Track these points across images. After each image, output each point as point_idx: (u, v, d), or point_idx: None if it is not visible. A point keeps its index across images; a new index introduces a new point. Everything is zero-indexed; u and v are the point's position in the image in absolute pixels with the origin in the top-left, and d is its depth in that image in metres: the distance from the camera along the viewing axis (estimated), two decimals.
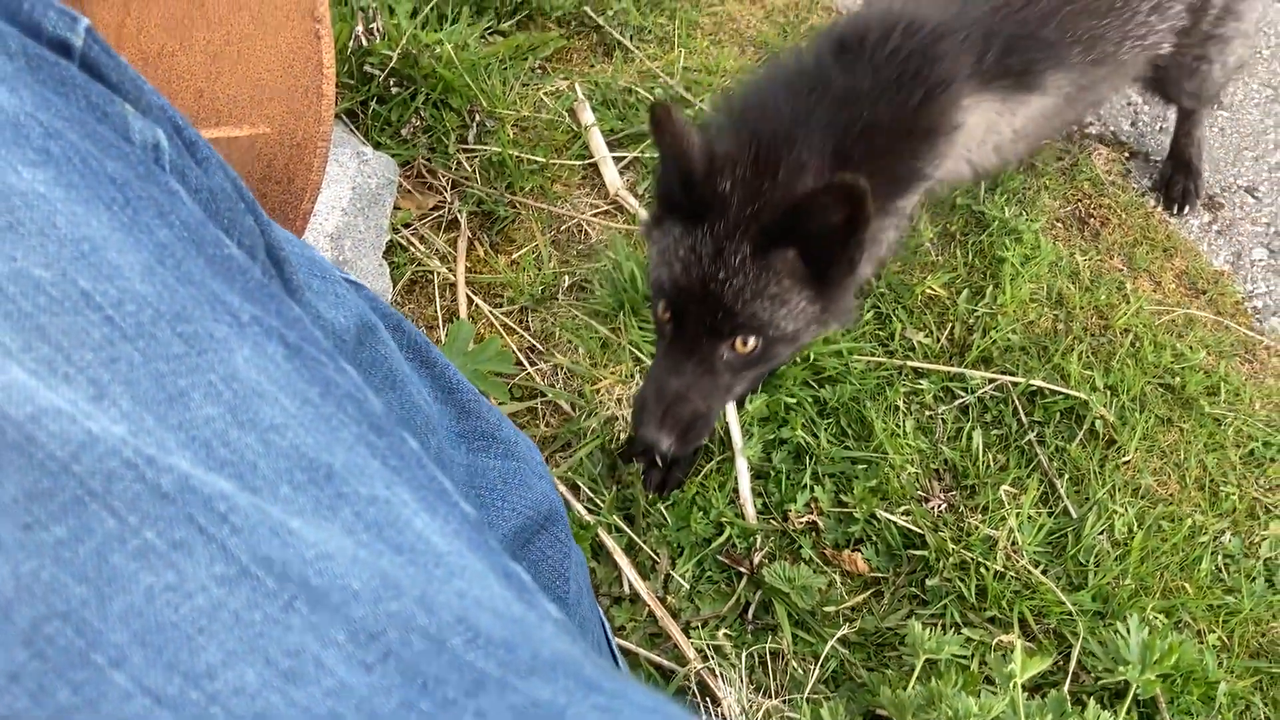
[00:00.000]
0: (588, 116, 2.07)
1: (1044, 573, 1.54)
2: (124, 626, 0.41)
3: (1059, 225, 2.07)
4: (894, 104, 1.38)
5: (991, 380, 1.75)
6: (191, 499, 0.42)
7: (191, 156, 0.61)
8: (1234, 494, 1.67)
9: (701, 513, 1.56)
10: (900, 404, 1.70)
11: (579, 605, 0.97)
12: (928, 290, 1.87)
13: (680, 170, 1.28)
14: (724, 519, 1.56)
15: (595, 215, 1.96)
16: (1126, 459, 1.69)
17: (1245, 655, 1.52)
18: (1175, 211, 2.16)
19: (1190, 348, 1.86)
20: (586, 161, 2.03)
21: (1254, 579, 1.58)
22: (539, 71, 2.20)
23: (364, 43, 1.93)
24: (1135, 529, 1.60)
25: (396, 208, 1.89)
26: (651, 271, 1.37)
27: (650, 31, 2.30)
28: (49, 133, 0.50)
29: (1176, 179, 2.19)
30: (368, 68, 1.94)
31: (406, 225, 1.90)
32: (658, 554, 1.55)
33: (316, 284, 0.74)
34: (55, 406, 0.41)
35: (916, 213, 1.66)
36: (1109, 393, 1.77)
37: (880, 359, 1.75)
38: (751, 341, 1.31)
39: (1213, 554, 1.60)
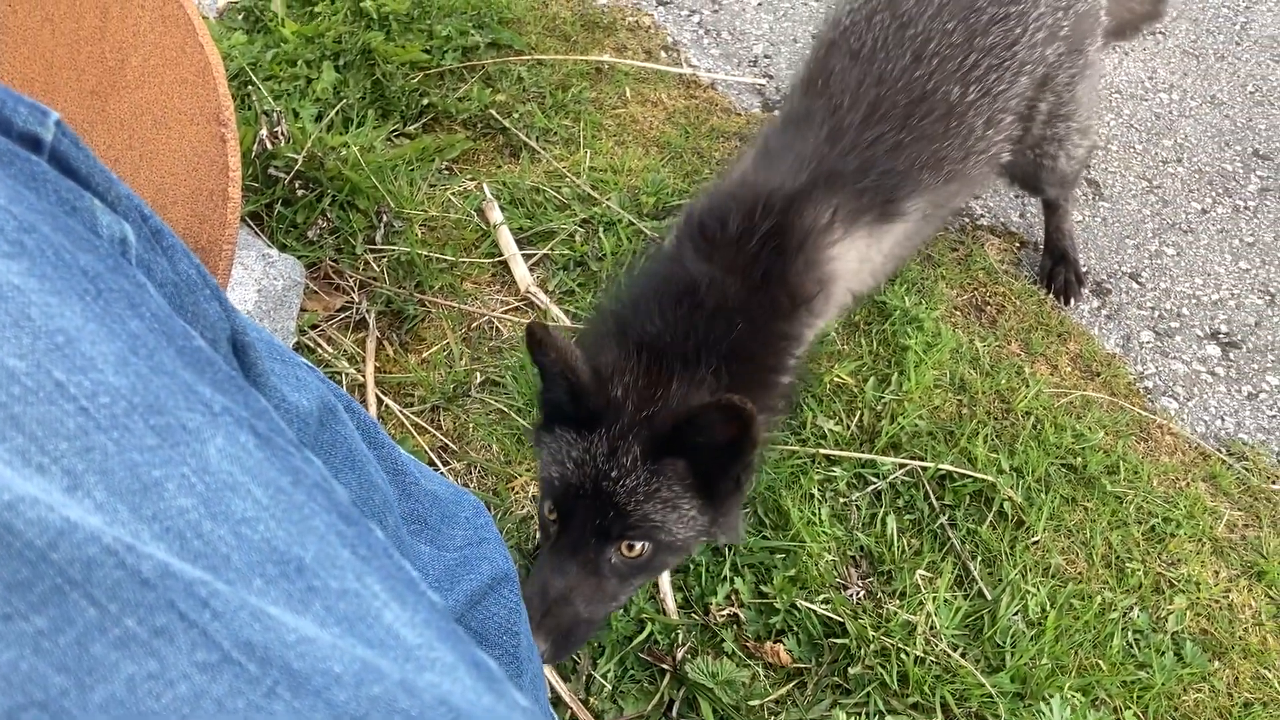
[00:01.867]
0: (496, 215, 2.08)
1: (963, 655, 1.55)
2: (105, 716, 0.40)
3: (957, 313, 2.14)
4: (763, 292, 1.43)
5: (902, 465, 1.78)
6: (173, 584, 0.42)
7: (158, 246, 0.62)
8: (1139, 570, 1.72)
9: (622, 610, 1.54)
10: (815, 492, 1.72)
11: (530, 661, 0.96)
12: (836, 379, 1.90)
13: (568, 383, 1.29)
14: (645, 615, 1.54)
15: (506, 312, 1.96)
16: (1035, 539, 1.73)
17: None
18: (1063, 302, 2.25)
19: (1089, 428, 1.92)
20: (496, 259, 2.04)
21: (1163, 653, 1.61)
22: (446, 172, 2.22)
23: (268, 146, 1.93)
24: (1048, 608, 1.62)
25: (303, 309, 1.87)
26: (541, 473, 1.36)
27: (556, 133, 2.33)
28: (22, 226, 0.50)
29: (1057, 271, 2.28)
30: (272, 171, 1.93)
31: (314, 327, 1.87)
32: (578, 656, 1.52)
33: (278, 368, 0.74)
34: (31, 495, 0.41)
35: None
36: (1015, 474, 1.81)
37: (794, 447, 1.77)
38: (639, 546, 1.29)
39: (1123, 630, 1.63)
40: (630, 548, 1.29)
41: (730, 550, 1.61)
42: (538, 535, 1.63)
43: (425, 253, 2.00)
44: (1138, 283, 2.34)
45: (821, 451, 1.78)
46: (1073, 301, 2.25)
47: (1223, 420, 2.05)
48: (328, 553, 0.49)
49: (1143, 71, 3.06)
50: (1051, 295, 2.26)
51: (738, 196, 1.51)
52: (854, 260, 1.59)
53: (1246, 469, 1.94)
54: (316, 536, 0.49)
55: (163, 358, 0.51)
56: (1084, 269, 2.30)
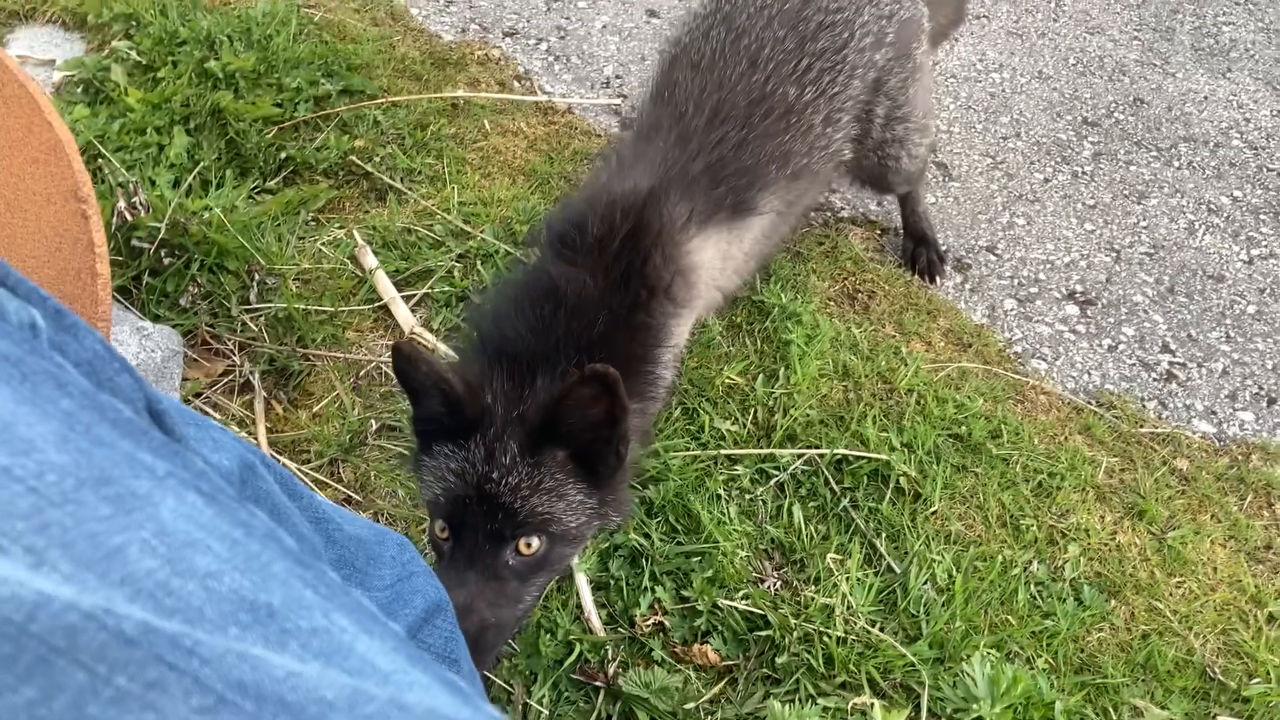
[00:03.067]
0: (370, 260, 2.07)
1: (881, 630, 1.61)
2: None
3: (832, 304, 2.22)
4: (623, 287, 1.49)
5: (800, 455, 1.84)
6: (156, 639, 0.43)
7: (62, 325, 0.62)
8: (1033, 525, 1.80)
9: (549, 634, 1.55)
10: (721, 492, 1.76)
11: (473, 685, 0.97)
12: (726, 380, 1.95)
13: (442, 394, 1.31)
14: (572, 636, 1.55)
15: None
16: (933, 509, 1.80)
17: (1070, 672, 1.63)
18: (928, 281, 2.35)
19: (969, 398, 2.01)
20: (376, 304, 2.03)
21: (1064, 600, 1.70)
22: (314, 223, 2.20)
23: (128, 218, 1.88)
24: (954, 574, 1.70)
25: (185, 379, 1.83)
26: (424, 495, 1.37)
27: (420, 172, 2.34)
28: None
29: (919, 252, 2.40)
30: (136, 242, 1.88)
31: (198, 395, 1.84)
32: (511, 685, 1.52)
33: (194, 431, 0.74)
34: (2, 575, 0.41)
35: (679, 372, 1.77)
36: (906, 450, 1.88)
37: (695, 452, 1.81)
38: (535, 542, 1.32)
39: (1026, 584, 1.71)
40: (528, 545, 1.31)
41: (647, 560, 1.64)
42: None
43: (303, 306, 1.98)
44: (994, 255, 2.46)
45: (722, 452, 1.83)
46: (937, 279, 2.35)
47: (1089, 374, 2.17)
48: (292, 595, 0.50)
49: (973, 55, 3.21)
50: (916, 275, 2.36)
51: (594, 203, 1.57)
52: (714, 254, 1.66)
53: (1116, 417, 2.06)
54: (279, 582, 0.50)
55: (99, 431, 0.51)
56: (943, 247, 2.41)
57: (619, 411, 1.29)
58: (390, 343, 1.97)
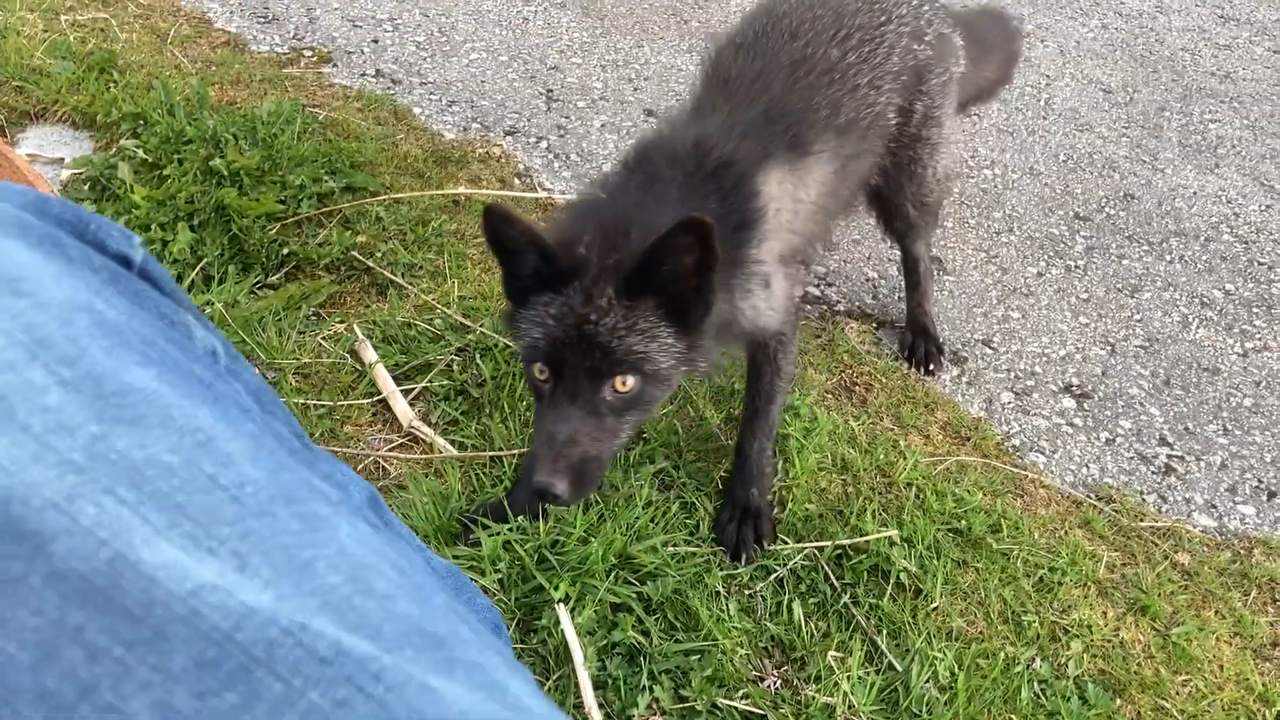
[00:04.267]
0: (370, 355, 2.09)
1: None
2: None
3: (829, 396, 2.22)
4: (714, 186, 1.63)
5: (800, 550, 1.83)
6: (346, 661, 0.46)
7: (231, 355, 0.69)
8: (1034, 621, 1.78)
9: None
10: (720, 589, 1.74)
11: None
12: (725, 474, 1.95)
13: (537, 248, 1.43)
14: None
15: (391, 450, 1.95)
16: (935, 605, 1.78)
17: None
18: (924, 373, 2.37)
19: (968, 491, 2.00)
20: (375, 399, 2.04)
21: (1069, 698, 1.67)
22: (315, 318, 2.22)
23: None
24: (956, 671, 1.67)
25: None
26: (521, 344, 1.49)
27: (421, 267, 2.37)
28: (144, 339, 0.57)
29: (917, 344, 2.42)
30: None
31: None
32: None
33: (324, 464, 0.78)
34: (210, 582, 0.45)
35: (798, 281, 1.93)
36: (906, 545, 1.87)
37: (694, 549, 1.80)
38: (630, 380, 1.44)
39: (1029, 682, 1.69)
40: (623, 383, 1.44)
41: (645, 658, 1.62)
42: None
43: (302, 401, 1.99)
44: (990, 348, 2.48)
45: (721, 548, 1.81)
46: (934, 370, 2.37)
47: (1087, 468, 2.17)
48: (452, 628, 0.53)
49: (965, 152, 3.27)
50: (912, 367, 2.37)
51: (679, 138, 1.71)
52: (779, 190, 1.77)
53: (1116, 511, 2.05)
54: (440, 613, 0.53)
55: (280, 455, 0.56)
56: (941, 340, 2.43)
57: (710, 260, 1.39)
58: (388, 437, 1.98)
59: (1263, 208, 3.22)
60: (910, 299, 2.46)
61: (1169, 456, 2.23)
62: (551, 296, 1.44)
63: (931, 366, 2.38)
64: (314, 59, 3.21)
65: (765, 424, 1.91)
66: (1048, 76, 3.87)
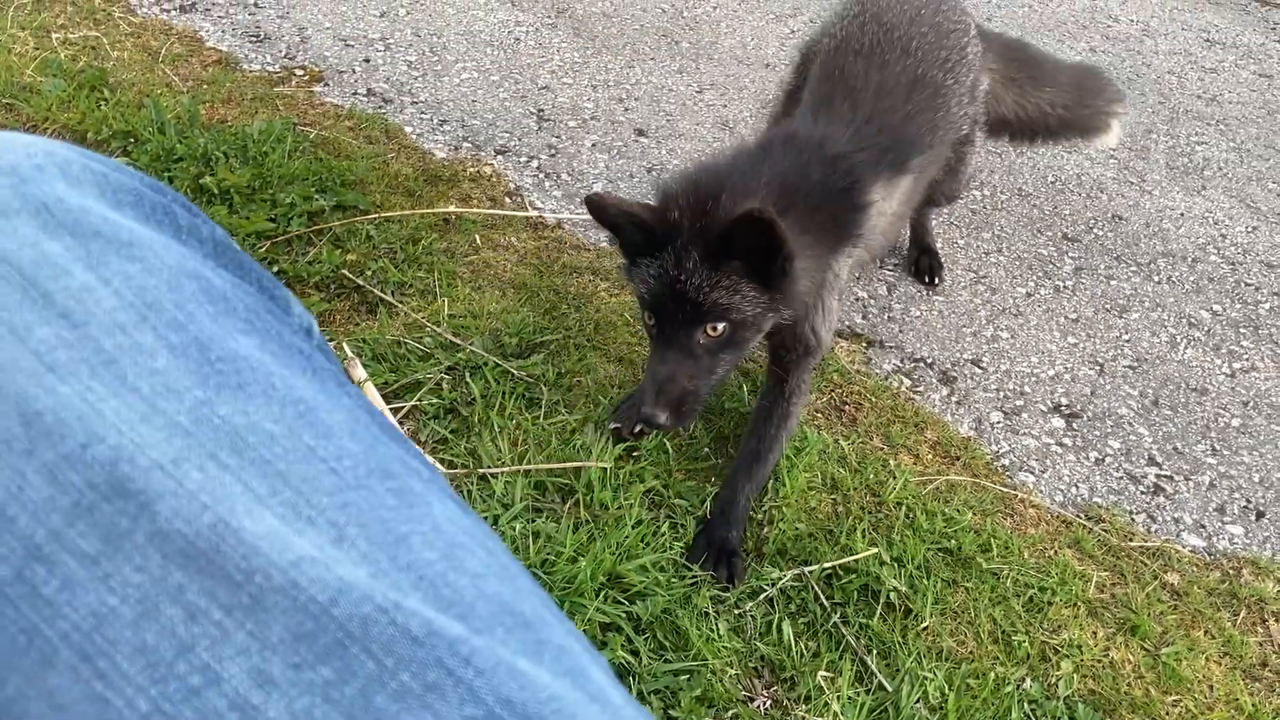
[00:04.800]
0: (360, 373, 2.08)
1: None
2: None
3: (819, 415, 2.22)
4: (827, 182, 1.78)
5: (789, 570, 1.82)
6: (438, 643, 0.46)
7: (318, 336, 0.69)
8: (1025, 641, 1.78)
9: None
10: (709, 608, 1.74)
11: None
12: (715, 492, 1.95)
13: (634, 224, 1.64)
14: None
15: None
16: (925, 625, 1.78)
17: None
18: (928, 283, 2.72)
19: (958, 510, 2.00)
20: None
21: (1059, 719, 1.67)
22: None
23: None
24: (947, 691, 1.67)
25: None
26: (637, 292, 1.71)
27: (411, 285, 2.36)
28: (249, 307, 0.59)
29: (923, 259, 2.76)
30: None
31: None
32: None
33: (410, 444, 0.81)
34: (309, 555, 0.46)
35: (850, 276, 2.06)
36: (896, 564, 1.87)
37: (683, 567, 1.79)
38: (720, 327, 1.65)
39: (1019, 702, 1.68)
40: (714, 329, 1.66)
41: (634, 679, 1.61)
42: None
43: None
44: (980, 368, 2.48)
45: (708, 571, 1.81)
46: (936, 283, 2.72)
47: (1077, 487, 2.18)
48: (537, 610, 0.53)
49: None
50: (914, 279, 2.74)
51: (805, 134, 1.88)
52: (879, 196, 1.92)
53: (1105, 531, 2.05)
54: (526, 595, 0.53)
55: (375, 430, 0.57)
56: (940, 258, 2.77)
57: (778, 243, 1.57)
58: None
59: (1249, 229, 3.24)
60: (920, 226, 2.79)
61: (1158, 476, 2.24)
62: (651, 260, 1.64)
63: (935, 276, 2.72)
64: (305, 78, 3.21)
65: (762, 472, 1.98)
66: None
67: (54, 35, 3.13)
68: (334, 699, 0.44)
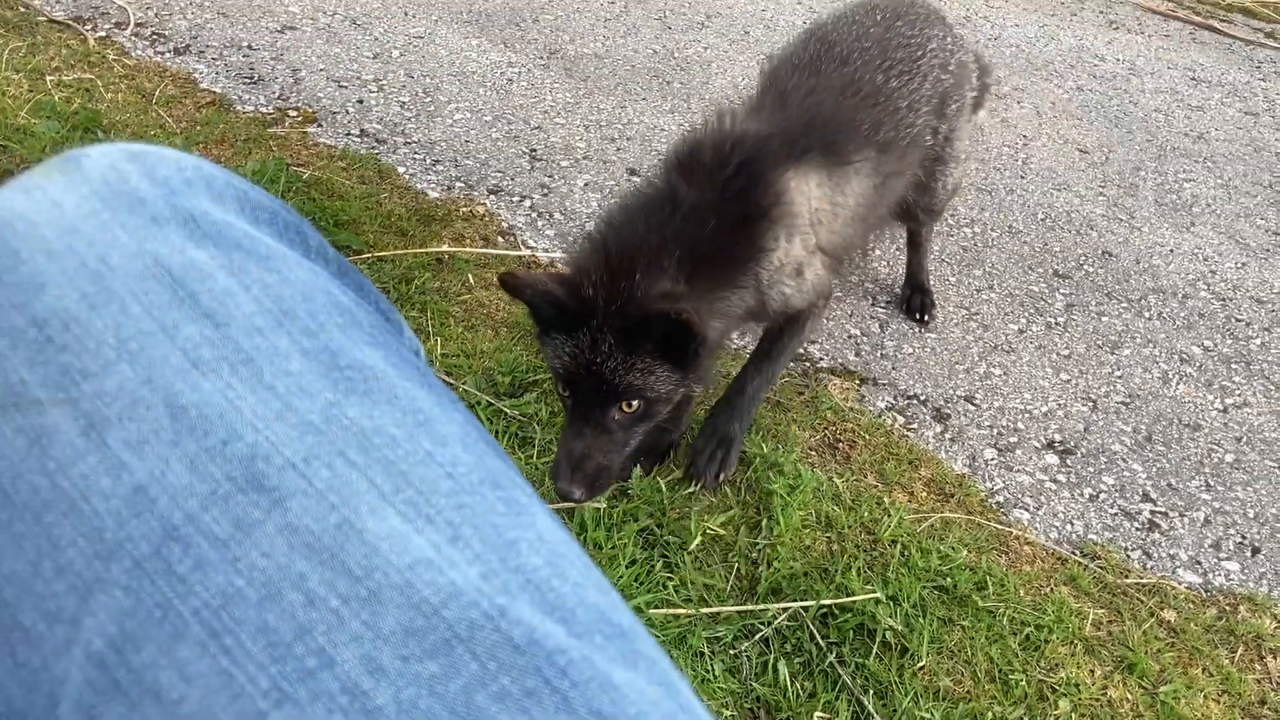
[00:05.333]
0: None
1: None
2: None
3: (813, 453, 2.22)
4: (733, 203, 1.77)
5: (784, 609, 1.81)
6: (538, 652, 0.48)
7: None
8: (1021, 680, 1.77)
9: None
10: (705, 649, 1.72)
11: None
12: (709, 531, 1.94)
13: (549, 303, 1.63)
14: None
15: None
16: (921, 664, 1.77)
17: None
18: (919, 319, 2.74)
19: (953, 548, 1.99)
20: None
21: None
22: None
23: None
24: None
25: None
26: (550, 364, 1.71)
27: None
28: (371, 324, 0.64)
29: (915, 297, 2.77)
30: None
31: None
32: None
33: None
34: (426, 557, 0.50)
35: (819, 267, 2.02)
36: (892, 603, 1.86)
37: (677, 610, 1.78)
38: (635, 404, 1.67)
39: None
40: (628, 405, 1.67)
41: None
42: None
43: None
44: (973, 404, 2.48)
45: (703, 611, 1.80)
46: (927, 320, 2.74)
47: (1072, 524, 2.17)
48: (633, 623, 0.55)
49: (976, 163, 3.31)
50: (907, 316, 2.76)
51: (711, 139, 1.86)
52: (815, 190, 1.93)
53: (1101, 568, 2.04)
54: (621, 608, 0.56)
55: (484, 445, 0.61)
56: (933, 297, 2.79)
57: (693, 338, 1.60)
58: None
59: (1239, 265, 3.26)
60: (912, 259, 2.81)
61: (1153, 512, 2.23)
62: (565, 337, 1.64)
63: (925, 314, 2.73)
64: (299, 119, 3.23)
65: (771, 369, 2.11)
66: (1025, 137, 3.93)
67: (49, 78, 3.15)
68: (438, 693, 0.46)
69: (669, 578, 1.84)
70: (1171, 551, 2.14)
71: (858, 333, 2.67)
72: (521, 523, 0.56)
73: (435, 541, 0.51)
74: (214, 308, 0.58)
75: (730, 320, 1.84)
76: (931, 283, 2.85)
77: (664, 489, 2.01)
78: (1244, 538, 2.19)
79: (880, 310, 2.78)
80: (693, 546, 1.91)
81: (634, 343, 1.62)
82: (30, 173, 0.64)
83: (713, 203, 1.76)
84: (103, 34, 3.53)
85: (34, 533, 0.51)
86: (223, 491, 0.51)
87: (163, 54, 3.49)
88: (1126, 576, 2.04)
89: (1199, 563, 2.12)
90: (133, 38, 3.54)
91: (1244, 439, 2.48)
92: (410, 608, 0.48)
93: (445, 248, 2.66)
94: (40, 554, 0.50)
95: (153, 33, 3.61)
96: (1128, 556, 2.11)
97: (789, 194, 1.85)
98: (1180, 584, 2.06)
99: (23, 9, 3.59)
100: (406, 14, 4.06)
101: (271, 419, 0.54)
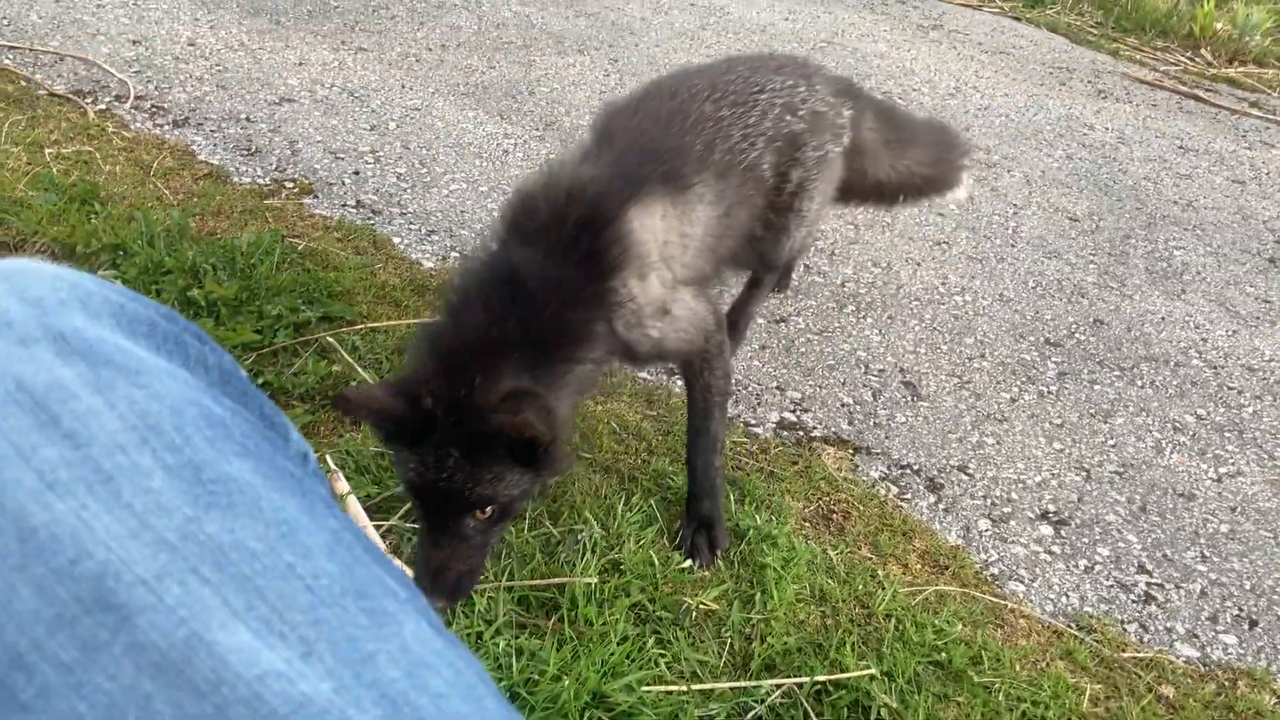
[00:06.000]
0: (342, 486, 2.07)
1: None
2: None
3: (807, 524, 2.21)
4: (576, 263, 1.68)
5: (778, 686, 1.79)
6: None
7: (312, 463, 0.74)
8: None
9: None
10: None
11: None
12: (702, 605, 1.92)
13: (388, 422, 1.55)
14: None
15: None
16: None
17: None
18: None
19: (948, 622, 1.98)
20: None
21: None
22: None
23: None
24: None
25: None
26: (398, 475, 1.66)
27: None
28: (245, 433, 0.64)
29: (735, 320, 2.67)
30: None
31: None
32: None
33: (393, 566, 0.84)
34: (276, 669, 0.50)
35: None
36: (886, 679, 1.84)
37: (669, 687, 1.76)
38: (489, 509, 1.60)
39: None
40: (482, 512, 1.60)
41: None
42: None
43: None
44: (966, 474, 2.48)
45: (696, 687, 1.77)
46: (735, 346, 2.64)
47: (1067, 596, 2.15)
48: None
49: (935, 278, 3.33)
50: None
51: (543, 190, 1.77)
52: (660, 223, 1.85)
53: (1097, 641, 2.02)
54: (491, 714, 0.56)
55: (356, 551, 0.61)
56: (742, 345, 2.74)
57: (542, 442, 1.53)
58: None
59: (1229, 333, 3.27)
60: (739, 296, 2.73)
61: (1148, 584, 2.22)
62: (409, 452, 1.57)
63: (737, 342, 2.64)
64: (295, 190, 3.26)
65: (707, 440, 2.08)
66: (1015, 205, 3.97)
67: (48, 150, 3.18)
68: None
69: (661, 654, 1.82)
70: (1168, 624, 2.12)
71: (850, 401, 2.68)
72: (384, 634, 0.56)
73: (287, 657, 0.51)
74: (75, 428, 0.58)
75: (588, 383, 1.79)
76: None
77: (656, 563, 1.99)
78: (1241, 610, 2.18)
79: (873, 378, 2.79)
80: (686, 623, 1.89)
81: (480, 454, 1.54)
82: None
83: (554, 270, 1.67)
84: (103, 107, 3.58)
85: None
86: (70, 614, 0.51)
87: (162, 126, 3.53)
88: (1124, 650, 2.02)
89: (1196, 636, 2.10)
90: (132, 110, 3.58)
91: (1238, 509, 2.48)
92: (258, 719, 0.48)
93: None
94: None
95: (152, 105, 3.65)
96: (1124, 630, 2.09)
97: (634, 234, 1.77)
98: (1178, 658, 2.03)
99: (24, 83, 3.64)
100: (404, 86, 4.12)
101: (125, 537, 0.54)
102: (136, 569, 0.52)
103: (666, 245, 1.87)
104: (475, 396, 1.53)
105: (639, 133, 1.98)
